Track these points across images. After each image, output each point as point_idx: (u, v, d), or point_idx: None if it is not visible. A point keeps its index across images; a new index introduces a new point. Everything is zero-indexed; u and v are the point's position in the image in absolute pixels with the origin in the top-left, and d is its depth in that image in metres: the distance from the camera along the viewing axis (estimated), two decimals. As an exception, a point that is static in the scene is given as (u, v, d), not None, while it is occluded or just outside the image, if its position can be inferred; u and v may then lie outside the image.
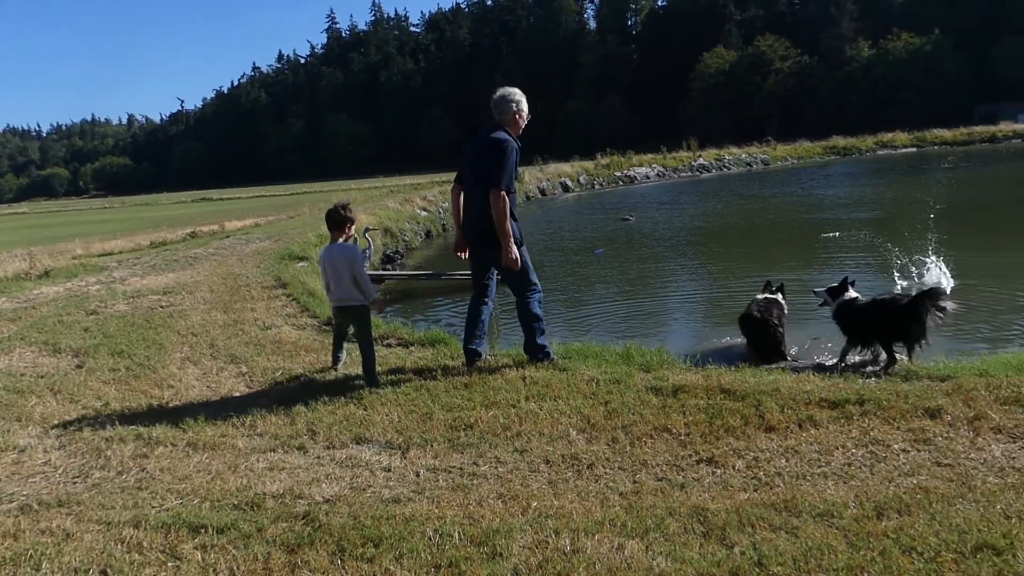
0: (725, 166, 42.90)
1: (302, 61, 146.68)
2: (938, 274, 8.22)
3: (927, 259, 8.53)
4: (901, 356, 5.29)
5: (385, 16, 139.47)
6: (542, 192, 32.48)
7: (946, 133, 51.20)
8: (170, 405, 5.24)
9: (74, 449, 4.46)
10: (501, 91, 5.54)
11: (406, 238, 17.48)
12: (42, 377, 6.15)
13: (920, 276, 8.30)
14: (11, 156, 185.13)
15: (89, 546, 3.19)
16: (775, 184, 30.04)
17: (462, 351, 5.74)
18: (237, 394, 5.41)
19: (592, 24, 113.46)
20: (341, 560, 2.95)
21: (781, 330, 6.01)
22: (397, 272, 12.59)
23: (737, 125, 72.21)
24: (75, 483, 3.98)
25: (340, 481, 3.78)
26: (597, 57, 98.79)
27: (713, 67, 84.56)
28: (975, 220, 15.33)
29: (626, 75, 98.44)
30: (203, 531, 3.24)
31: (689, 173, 40.59)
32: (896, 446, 3.68)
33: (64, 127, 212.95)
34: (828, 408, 4.21)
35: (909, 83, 73.87)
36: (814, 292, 6.22)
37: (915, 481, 3.29)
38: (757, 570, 2.67)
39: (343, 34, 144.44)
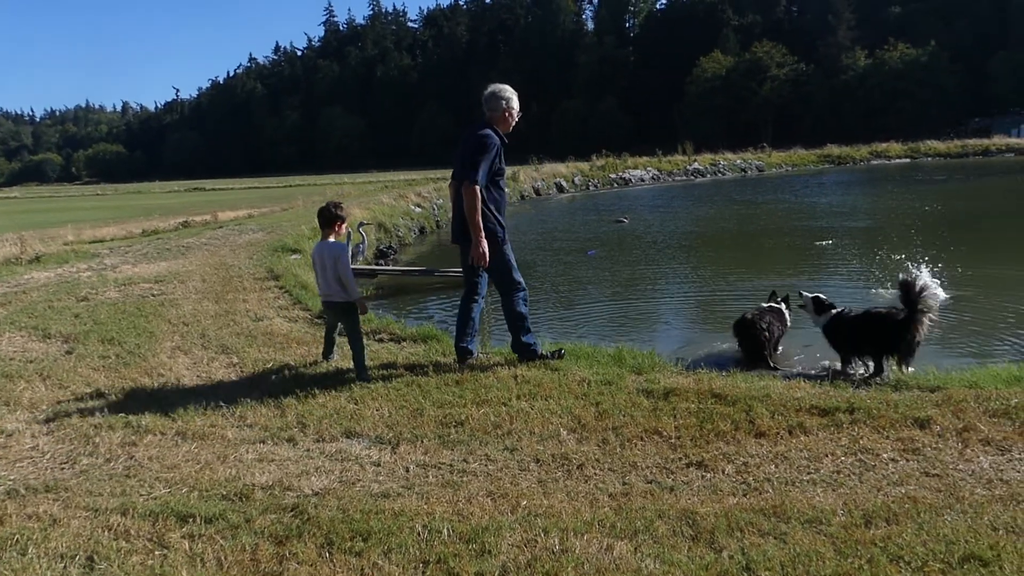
0: (720, 171, 43.00)
1: (299, 53, 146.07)
2: (930, 282, 8.26)
3: (917, 271, 8.57)
4: (890, 366, 5.30)
5: (383, 11, 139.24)
6: (536, 192, 32.47)
7: (940, 145, 51.44)
8: (160, 394, 5.22)
9: (62, 435, 4.43)
10: (492, 88, 5.56)
11: (400, 234, 17.44)
12: (31, 362, 6.11)
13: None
14: (3, 140, 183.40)
15: (76, 532, 3.17)
16: (769, 191, 30.14)
17: (454, 348, 5.74)
18: (227, 385, 5.39)
19: (590, 25, 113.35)
20: (329, 553, 2.94)
21: (767, 335, 5.99)
22: (390, 268, 12.55)
23: (732, 130, 72.48)
24: (63, 469, 3.96)
25: (329, 474, 3.77)
26: (594, 58, 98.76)
27: (710, 72, 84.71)
28: (968, 233, 15.41)
29: (623, 77, 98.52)
30: (191, 520, 3.23)
31: (684, 177, 40.65)
32: (885, 455, 3.70)
33: (58, 112, 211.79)
34: (818, 415, 4.23)
35: (904, 94, 74.28)
36: (800, 293, 6.21)
37: (903, 490, 3.31)
38: (745, 574, 2.68)
39: (340, 27, 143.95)
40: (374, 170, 65.15)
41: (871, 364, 5.35)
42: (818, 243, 13.80)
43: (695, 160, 44.06)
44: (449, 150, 5.73)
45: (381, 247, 14.70)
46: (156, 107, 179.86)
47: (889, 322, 5.21)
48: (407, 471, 3.79)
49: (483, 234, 5.25)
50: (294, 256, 11.77)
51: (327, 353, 5.88)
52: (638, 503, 3.30)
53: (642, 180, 38.69)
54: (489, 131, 5.39)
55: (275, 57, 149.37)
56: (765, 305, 6.41)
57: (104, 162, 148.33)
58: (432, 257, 14.56)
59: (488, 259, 5.32)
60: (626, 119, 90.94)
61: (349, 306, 5.56)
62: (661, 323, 8.57)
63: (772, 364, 5.91)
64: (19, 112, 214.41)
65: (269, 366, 5.78)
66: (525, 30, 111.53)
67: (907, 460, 3.64)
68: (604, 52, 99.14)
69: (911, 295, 5.06)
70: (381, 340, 6.54)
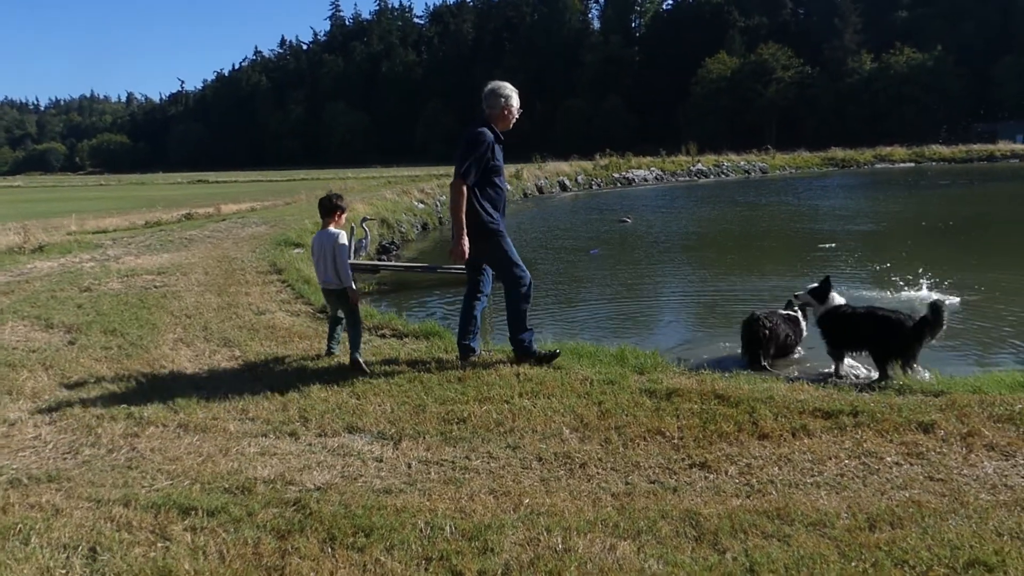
0: (723, 172, 42.99)
1: (304, 47, 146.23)
2: (932, 292, 8.27)
3: (922, 279, 8.58)
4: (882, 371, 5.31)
5: (389, 6, 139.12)
6: (540, 190, 32.47)
7: (944, 150, 51.48)
8: (162, 385, 5.21)
9: (65, 425, 4.43)
10: (491, 85, 5.55)
11: (402, 229, 17.44)
12: (34, 352, 6.10)
13: (915, 291, 8.35)
14: (7, 129, 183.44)
15: (79, 523, 3.17)
16: (772, 193, 30.13)
17: (456, 345, 5.73)
18: (229, 378, 5.38)
19: (596, 24, 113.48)
20: (332, 548, 2.94)
21: (766, 333, 5.96)
22: (392, 263, 12.56)
23: (736, 132, 72.39)
24: (65, 459, 3.95)
25: (331, 469, 3.77)
26: (599, 57, 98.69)
27: (715, 72, 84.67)
28: (973, 238, 15.39)
29: (628, 76, 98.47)
30: (193, 513, 3.23)
31: (687, 178, 40.66)
32: (889, 459, 3.69)
33: (63, 102, 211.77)
34: (822, 418, 4.21)
35: (909, 98, 74.20)
36: (795, 296, 6.20)
37: (908, 494, 3.30)
38: (748, 576, 2.67)
39: (346, 22, 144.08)
40: (376, 165, 65.06)
41: (875, 368, 5.35)
42: (821, 246, 13.79)
43: (698, 161, 44.07)
44: (452, 147, 5.73)
45: (384, 243, 14.72)
46: (161, 98, 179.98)
47: (900, 327, 5.20)
48: (409, 467, 3.79)
49: (465, 231, 5.26)
50: (297, 250, 11.76)
51: (330, 347, 5.88)
52: (641, 503, 3.29)
53: (645, 180, 38.70)
54: (483, 129, 5.37)
55: (280, 51, 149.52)
56: (783, 312, 6.37)
57: (108, 152, 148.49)
58: (434, 253, 14.56)
59: (488, 256, 5.37)
60: (630, 118, 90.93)
61: (346, 293, 5.67)
62: (663, 323, 8.57)
63: (764, 364, 5.87)
64: (24, 101, 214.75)
65: (271, 360, 5.78)
66: (531, 28, 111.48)
67: (911, 464, 3.63)
68: (610, 51, 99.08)
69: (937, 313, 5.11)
70: (383, 336, 6.53)
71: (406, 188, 23.55)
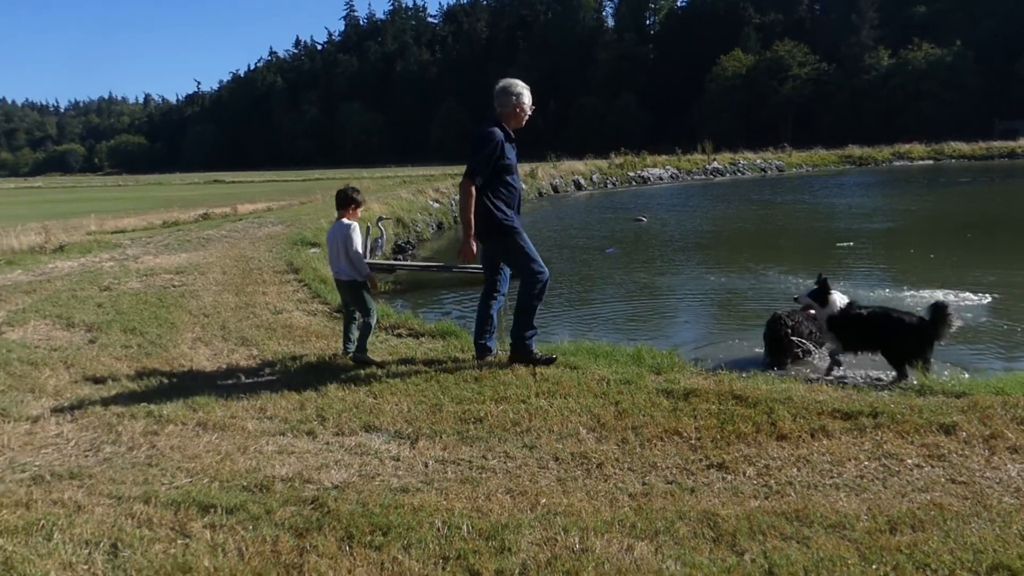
0: (739, 171, 42.74)
1: (319, 48, 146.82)
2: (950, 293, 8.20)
3: (939, 290, 8.51)
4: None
5: (403, 6, 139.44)
6: (555, 189, 32.42)
7: (964, 147, 50.84)
8: (181, 384, 5.25)
9: (86, 423, 4.48)
10: (503, 83, 5.50)
11: (418, 229, 17.48)
12: (55, 350, 6.18)
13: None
14: (28, 130, 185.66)
15: (100, 519, 3.20)
16: (788, 191, 29.93)
17: (472, 345, 5.73)
18: (247, 376, 5.42)
19: (610, 22, 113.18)
20: (349, 547, 2.95)
21: (787, 331, 5.94)
22: (408, 262, 12.59)
23: (751, 129, 71.94)
24: (86, 456, 4.00)
25: (349, 468, 3.78)
26: (614, 55, 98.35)
27: (730, 70, 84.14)
28: (994, 237, 15.20)
29: (642, 74, 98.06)
30: (212, 510, 3.25)
31: (703, 176, 40.45)
32: (910, 461, 3.65)
33: (81, 104, 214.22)
34: (841, 419, 4.18)
35: (928, 94, 73.32)
36: (795, 300, 6.16)
37: (929, 497, 3.26)
38: (768, 578, 2.66)
39: (361, 22, 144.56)
40: (391, 165, 65.26)
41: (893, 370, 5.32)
42: (839, 244, 13.67)
43: (714, 159, 43.85)
44: (465, 146, 5.72)
45: (399, 242, 14.75)
46: (177, 99, 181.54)
47: (916, 328, 5.18)
48: (426, 466, 3.79)
49: (473, 231, 5.26)
50: (313, 250, 11.82)
51: (347, 344, 5.89)
52: (658, 504, 3.28)
53: (660, 179, 38.54)
54: (492, 128, 5.31)
55: (295, 51, 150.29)
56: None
57: (126, 153, 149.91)
58: (450, 252, 14.55)
59: (507, 253, 5.40)
60: (644, 116, 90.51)
61: (360, 285, 5.74)
62: (679, 322, 8.53)
63: (784, 363, 5.85)
64: (44, 103, 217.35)
65: (288, 359, 5.81)
66: (544, 26, 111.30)
67: (932, 466, 3.59)
68: (624, 49, 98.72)
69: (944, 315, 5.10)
70: (400, 335, 6.55)
71: (421, 187, 23.60)
